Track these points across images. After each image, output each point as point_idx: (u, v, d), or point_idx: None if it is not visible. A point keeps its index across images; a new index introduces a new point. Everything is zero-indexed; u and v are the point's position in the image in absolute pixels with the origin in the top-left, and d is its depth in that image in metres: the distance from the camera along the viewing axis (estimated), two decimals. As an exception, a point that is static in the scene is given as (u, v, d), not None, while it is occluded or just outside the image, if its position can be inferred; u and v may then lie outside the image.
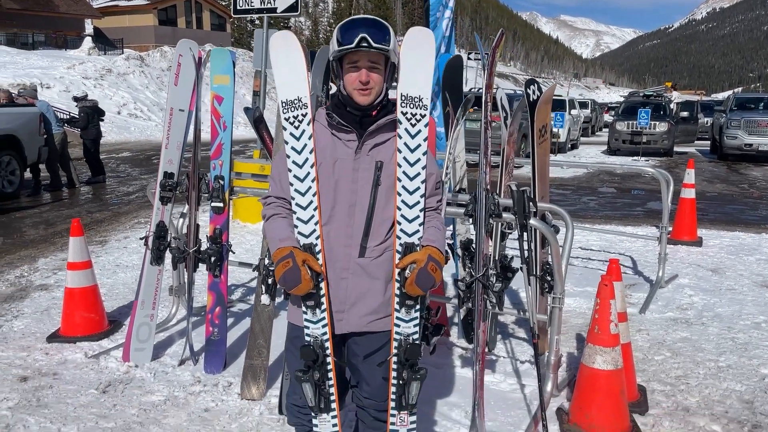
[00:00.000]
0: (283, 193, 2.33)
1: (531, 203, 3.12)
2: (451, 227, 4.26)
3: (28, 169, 10.87)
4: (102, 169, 12.47)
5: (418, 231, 2.32)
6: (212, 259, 3.68)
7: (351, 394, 2.56)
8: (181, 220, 4.30)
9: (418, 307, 2.33)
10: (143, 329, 3.89)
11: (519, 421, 3.29)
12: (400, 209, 2.29)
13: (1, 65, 26.18)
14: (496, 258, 3.41)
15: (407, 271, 2.26)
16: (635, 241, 7.37)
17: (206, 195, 3.76)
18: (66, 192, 11.18)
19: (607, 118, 31.68)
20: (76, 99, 12.72)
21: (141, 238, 3.90)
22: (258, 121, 3.92)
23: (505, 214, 3.16)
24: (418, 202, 2.31)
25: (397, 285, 2.30)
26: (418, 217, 2.32)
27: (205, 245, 3.80)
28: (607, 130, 24.31)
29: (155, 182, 3.85)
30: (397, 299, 2.31)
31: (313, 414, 2.27)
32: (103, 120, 12.77)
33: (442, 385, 3.66)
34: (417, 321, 2.34)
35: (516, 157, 4.17)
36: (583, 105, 28.87)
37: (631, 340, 3.62)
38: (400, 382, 2.28)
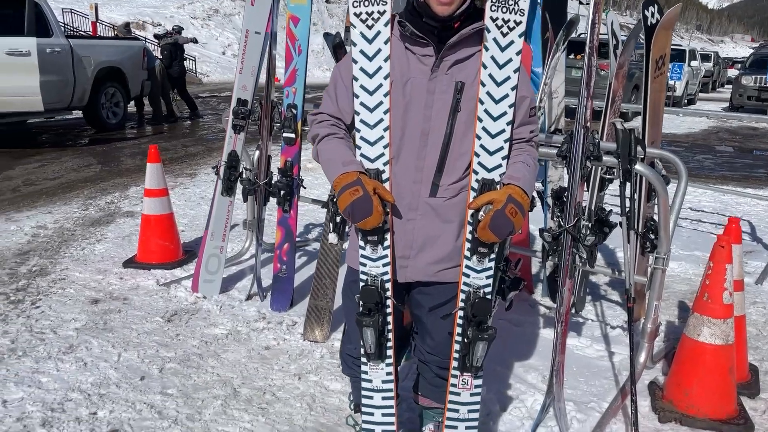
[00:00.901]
0: (339, 111, 2.03)
1: (638, 146, 2.67)
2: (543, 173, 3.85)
3: (131, 102, 11.20)
4: (193, 105, 12.65)
5: (500, 166, 1.97)
6: (281, 192, 3.48)
7: (414, 346, 2.31)
8: (257, 151, 4.13)
9: (492, 256, 2.01)
10: (212, 261, 3.79)
11: (603, 391, 2.93)
12: (479, 138, 1.95)
13: (117, 3, 27.22)
14: (592, 209, 3.00)
15: (481, 212, 1.93)
16: (755, 205, 6.59)
17: (278, 124, 3.55)
18: (166, 126, 11.46)
19: (732, 73, 29.07)
20: (157, 36, 12.89)
21: (213, 167, 3.77)
22: (338, 47, 3.63)
23: (605, 158, 2.73)
24: (503, 131, 1.96)
25: (469, 229, 1.98)
26: (501, 149, 1.97)
27: (276, 178, 3.60)
28: (729, 86, 22.26)
29: (229, 109, 3.67)
30: (468, 245, 1.99)
31: (364, 361, 2.02)
32: (186, 58, 12.90)
33: (520, 345, 3.34)
34: (490, 273, 2.02)
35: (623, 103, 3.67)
36: (704, 57, 26.54)
37: (745, 313, 3.13)
38: (465, 340, 1.99)
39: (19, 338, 3.18)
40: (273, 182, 3.60)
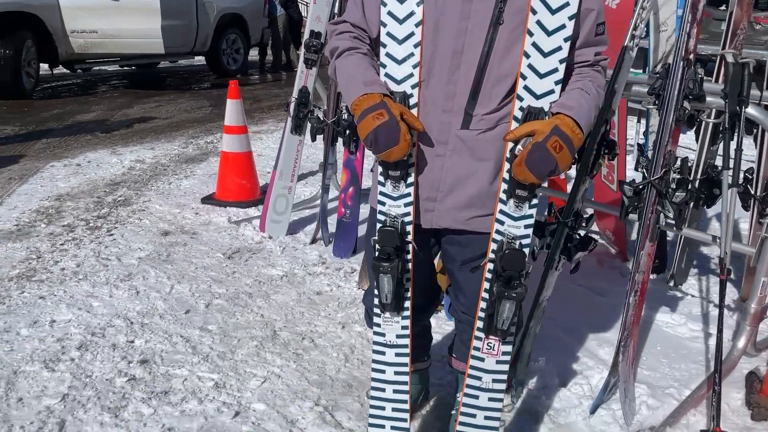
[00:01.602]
0: (365, 20, 1.74)
1: (752, 85, 2.16)
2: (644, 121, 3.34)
3: (252, 49, 11.43)
4: None
5: (551, 92, 1.62)
6: (347, 132, 3.26)
7: (450, 304, 2.05)
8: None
9: (534, 202, 1.67)
10: (280, 201, 3.67)
11: (688, 377, 2.50)
12: (528, 56, 1.60)
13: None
14: (699, 164, 2.52)
15: (519, 145, 1.60)
16: None
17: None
18: (284, 75, 11.60)
19: None
20: None
21: (284, 104, 3.61)
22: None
23: (710, 98, 2.24)
24: (559, 48, 1.60)
25: (507, 167, 1.65)
26: (554, 71, 1.62)
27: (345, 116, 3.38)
28: None
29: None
30: (504, 187, 1.67)
31: (377, 312, 1.78)
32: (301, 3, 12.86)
33: (599, 316, 2.94)
34: (530, 222, 1.68)
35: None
36: None
37: None
38: (492, 298, 1.68)
39: (85, 263, 3.24)
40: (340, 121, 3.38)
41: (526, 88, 1.63)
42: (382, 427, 1.80)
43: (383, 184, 1.73)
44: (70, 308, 2.78)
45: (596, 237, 2.74)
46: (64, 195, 4.29)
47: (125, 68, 10.55)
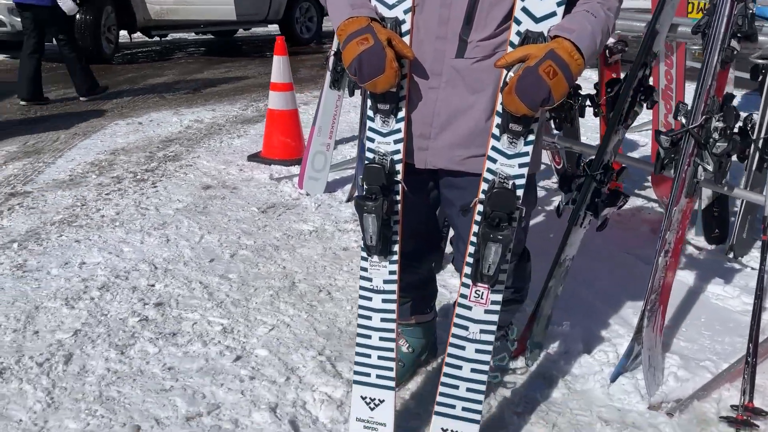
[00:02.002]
0: None
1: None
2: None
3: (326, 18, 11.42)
4: None
5: (553, 14, 1.47)
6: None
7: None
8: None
9: (530, 138, 1.52)
10: (318, 158, 3.62)
11: (729, 352, 2.27)
12: (527, -25, 1.45)
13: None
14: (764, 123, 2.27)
15: (511, 72, 1.45)
16: None
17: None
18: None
19: None
20: None
21: (324, 58, 3.54)
22: None
23: (763, 38, 1.99)
24: (562, -36, 1.45)
25: (500, 99, 1.51)
26: (556, -10, 1.46)
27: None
28: None
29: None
30: (497, 121, 1.53)
31: (364, 256, 1.69)
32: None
33: (638, 282, 2.72)
34: (525, 160, 1.53)
35: None
36: None
37: None
38: (478, 241, 1.55)
39: (125, 211, 3.32)
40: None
41: (524, 10, 1.48)
42: (368, 375, 1.72)
43: (372, 119, 1.63)
44: (101, 252, 2.85)
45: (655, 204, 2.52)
46: (119, 150, 4.42)
47: (202, 36, 10.80)
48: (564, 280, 2.26)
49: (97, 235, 3.03)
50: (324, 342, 2.26)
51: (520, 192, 1.54)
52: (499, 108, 1.51)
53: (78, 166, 4.03)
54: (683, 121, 2.03)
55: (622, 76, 2.40)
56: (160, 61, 8.52)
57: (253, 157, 4.23)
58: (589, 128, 4.57)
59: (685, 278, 2.84)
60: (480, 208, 1.55)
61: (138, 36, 9.05)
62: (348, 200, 3.56)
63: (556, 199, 3.09)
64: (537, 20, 1.47)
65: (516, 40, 1.48)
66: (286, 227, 3.22)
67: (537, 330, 2.22)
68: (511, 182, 1.53)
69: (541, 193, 3.85)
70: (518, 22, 1.48)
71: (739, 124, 2.13)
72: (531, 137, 1.52)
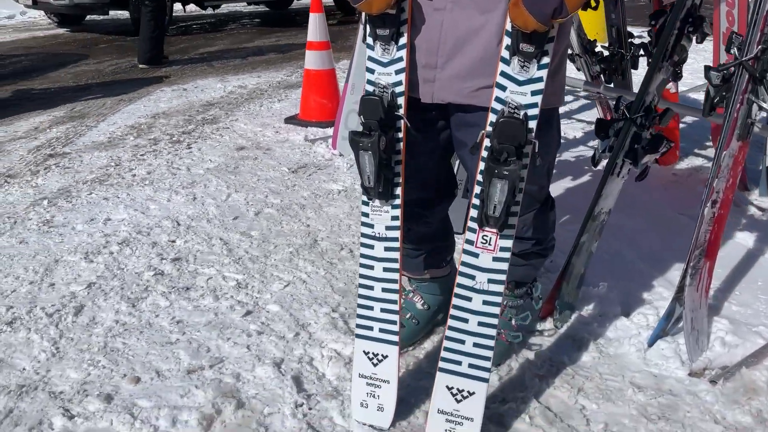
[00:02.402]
0: None
1: None
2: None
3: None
4: None
5: None
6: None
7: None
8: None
9: (545, 61, 1.35)
10: (352, 117, 3.49)
11: (789, 317, 2.03)
12: None
13: None
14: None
15: None
16: None
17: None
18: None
19: None
20: None
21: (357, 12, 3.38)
22: None
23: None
24: None
25: (509, 22, 1.34)
26: None
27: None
28: None
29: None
30: (507, 42, 1.36)
31: (366, 198, 1.56)
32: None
33: (679, 242, 2.48)
34: (539, 87, 1.36)
35: None
36: None
37: None
38: (483, 177, 1.39)
39: (156, 171, 3.29)
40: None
41: None
42: (370, 328, 1.60)
43: (371, 47, 1.49)
44: (127, 209, 2.83)
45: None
46: (160, 113, 4.42)
47: (256, 8, 10.80)
48: (599, 235, 2.07)
49: (126, 193, 3.01)
50: (339, 299, 2.15)
51: (532, 124, 1.36)
52: (508, 26, 1.34)
53: (118, 129, 4.04)
54: (736, 53, 1.79)
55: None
56: (212, 32, 8.56)
57: (290, 120, 4.15)
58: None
59: (743, 239, 2.59)
60: (487, 142, 1.39)
61: (192, 9, 9.11)
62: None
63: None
64: (551, -75, 1.29)
65: (526, -53, 1.30)
66: (315, 187, 3.12)
67: (567, 289, 2.04)
68: (522, 112, 1.36)
69: (583, 150, 3.61)
70: (529, -74, 1.30)
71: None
72: (545, 60, 1.34)
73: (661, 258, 2.41)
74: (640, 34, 3.19)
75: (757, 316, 2.05)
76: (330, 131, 3.91)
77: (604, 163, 2.07)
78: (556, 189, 3.07)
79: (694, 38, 1.94)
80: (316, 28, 3.98)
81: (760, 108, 1.76)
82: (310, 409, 1.66)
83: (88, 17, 8.81)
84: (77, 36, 7.93)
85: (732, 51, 1.83)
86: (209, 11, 9.49)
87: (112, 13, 8.49)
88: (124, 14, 8.47)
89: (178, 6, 8.67)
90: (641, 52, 2.80)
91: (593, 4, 2.37)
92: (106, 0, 7.70)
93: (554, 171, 3.24)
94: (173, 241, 2.55)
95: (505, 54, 1.36)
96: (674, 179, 3.25)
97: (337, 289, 2.21)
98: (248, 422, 1.61)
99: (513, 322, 1.87)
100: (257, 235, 2.61)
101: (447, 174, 1.76)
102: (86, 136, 3.92)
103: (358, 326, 1.62)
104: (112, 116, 4.38)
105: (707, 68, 1.87)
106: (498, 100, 1.38)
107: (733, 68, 1.77)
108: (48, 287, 2.21)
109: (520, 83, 1.36)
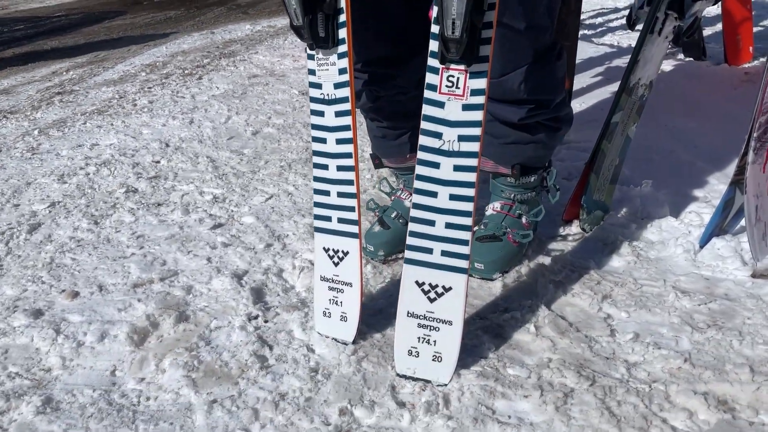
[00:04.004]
0: None
1: None
2: None
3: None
4: None
5: None
6: None
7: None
8: None
9: None
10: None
11: None
12: None
13: None
14: None
15: None
16: None
17: None
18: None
19: None
20: None
21: None
22: None
23: None
24: None
25: None
26: None
27: None
28: None
29: None
30: None
31: (308, 52, 1.23)
32: None
33: (738, 140, 2.02)
34: None
35: None
36: None
37: None
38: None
39: (159, 100, 3.06)
40: None
41: None
42: (328, 219, 1.28)
43: None
44: (118, 134, 2.60)
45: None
46: (179, 52, 4.19)
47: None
48: (638, 116, 1.65)
49: (122, 120, 2.78)
50: (326, 209, 1.84)
51: None
52: None
53: (133, 68, 3.84)
54: None
55: None
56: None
57: (312, 48, 3.82)
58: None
59: None
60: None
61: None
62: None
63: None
64: None
65: None
66: (325, 105, 2.80)
67: (598, 184, 1.64)
68: None
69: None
70: None
71: None
72: None
73: (724, 157, 1.96)
74: None
75: None
76: (352, 55, 3.57)
77: (641, 27, 1.64)
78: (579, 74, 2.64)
79: None
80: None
81: None
82: (266, 321, 1.37)
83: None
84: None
85: None
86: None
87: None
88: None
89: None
90: None
91: None
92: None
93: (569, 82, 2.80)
94: (157, 162, 2.30)
95: None
96: (747, 78, 2.74)
97: (325, 199, 1.90)
98: (188, 337, 1.33)
99: (523, 219, 1.50)
100: (250, 152, 2.33)
101: (419, 19, 1.39)
102: (101, 76, 3.74)
103: (316, 217, 1.31)
104: (132, 59, 4.18)
105: None
106: None
107: None
108: (11, 207, 2.00)
109: None
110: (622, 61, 3.05)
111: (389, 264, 1.55)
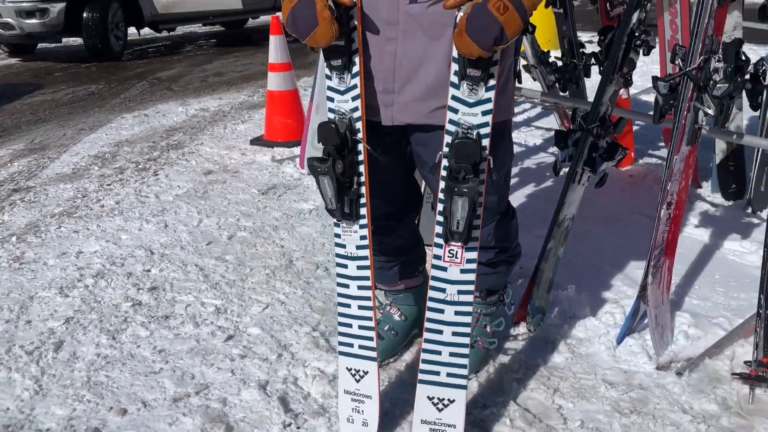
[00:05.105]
0: None
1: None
2: None
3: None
4: None
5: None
6: None
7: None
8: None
9: (491, 84, 1.42)
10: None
11: (746, 307, 2.14)
12: None
13: None
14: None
15: (461, 12, 1.36)
16: None
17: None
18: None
19: None
20: None
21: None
22: None
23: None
24: None
25: (455, 49, 1.42)
26: None
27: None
28: None
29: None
30: (455, 68, 1.43)
31: (335, 221, 1.62)
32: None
33: (640, 242, 2.60)
34: (488, 107, 1.43)
35: None
36: None
37: None
38: (444, 196, 1.46)
39: (125, 200, 3.29)
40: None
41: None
42: (351, 345, 1.66)
43: (329, 77, 1.56)
44: (99, 240, 2.83)
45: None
46: (123, 141, 4.41)
47: (212, 28, 10.79)
48: (564, 241, 2.16)
49: (96, 224, 3.00)
50: (319, 317, 2.20)
51: (485, 142, 1.44)
52: (454, 53, 1.42)
53: (82, 160, 4.02)
54: (680, 64, 1.91)
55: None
56: (169, 55, 8.52)
57: (256, 141, 4.18)
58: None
59: (699, 235, 2.72)
60: (445, 162, 1.47)
61: (147, 31, 9.06)
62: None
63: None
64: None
65: (466, -24, 1.38)
66: (287, 207, 3.16)
67: (538, 294, 2.13)
68: (475, 132, 1.44)
69: (544, 156, 3.74)
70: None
71: (751, 69, 2.00)
72: (492, 82, 1.42)
73: (624, 259, 2.52)
74: (590, 39, 3.32)
75: (716, 308, 2.17)
76: (297, 150, 3.96)
77: (564, 171, 2.16)
78: (520, 196, 3.17)
79: (641, 51, 2.05)
80: (277, 49, 4.03)
81: (705, 114, 1.88)
82: (298, 428, 1.71)
83: (40, 45, 8.69)
84: (30, 65, 7.81)
85: (676, 62, 1.95)
86: (164, 33, 9.43)
87: (64, 40, 8.39)
88: (76, 41, 8.38)
89: (132, 30, 8.61)
90: (593, 61, 2.93)
91: (530, 29, 2.51)
92: (58, 28, 7.59)
93: (518, 179, 3.36)
94: (148, 271, 2.56)
95: (454, 79, 1.43)
96: (631, 180, 3.39)
97: (315, 308, 2.26)
98: (238, 446, 1.65)
99: (488, 328, 1.94)
100: (232, 259, 2.64)
101: (412, 187, 1.85)
102: (49, 168, 3.89)
103: (341, 344, 1.68)
104: (73, 146, 4.34)
105: (655, 78, 1.99)
106: (451, 122, 1.45)
107: (678, 78, 1.88)
108: (25, 324, 2.20)
109: (470, 105, 1.44)
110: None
111: (384, 368, 1.93)
